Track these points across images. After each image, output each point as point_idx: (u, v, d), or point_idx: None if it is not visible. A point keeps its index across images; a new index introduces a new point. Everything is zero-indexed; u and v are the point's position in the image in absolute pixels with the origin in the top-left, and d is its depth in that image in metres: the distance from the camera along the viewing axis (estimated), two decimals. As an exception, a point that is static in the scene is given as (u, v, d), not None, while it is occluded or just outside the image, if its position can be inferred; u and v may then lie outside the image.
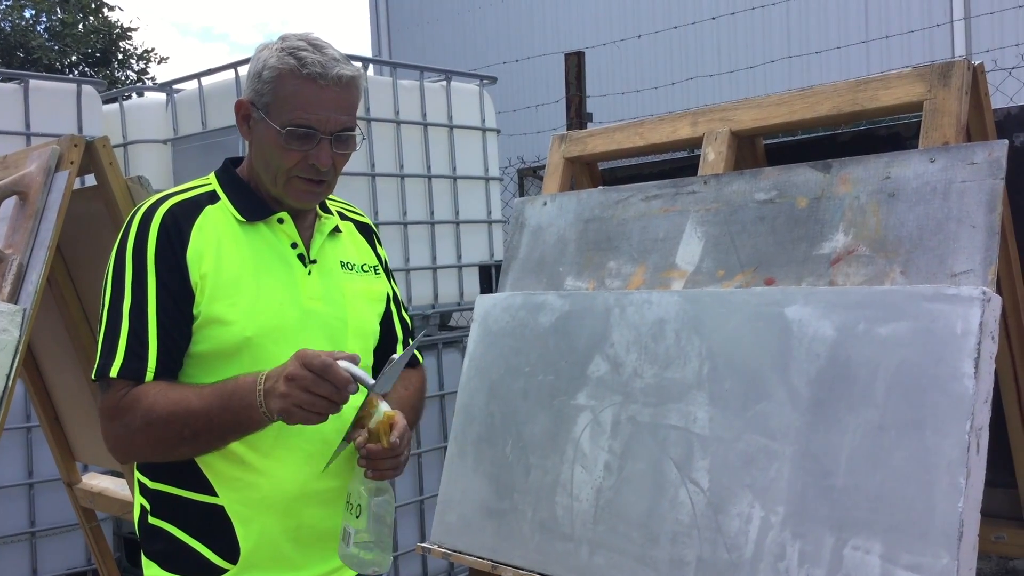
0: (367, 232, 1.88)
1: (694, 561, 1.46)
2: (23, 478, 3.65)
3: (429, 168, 4.15)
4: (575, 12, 11.83)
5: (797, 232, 1.55)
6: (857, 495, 1.33)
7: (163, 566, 1.66)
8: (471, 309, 2.33)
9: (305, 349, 1.47)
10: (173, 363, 1.59)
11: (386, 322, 1.83)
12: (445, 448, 2.01)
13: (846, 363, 1.38)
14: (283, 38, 1.64)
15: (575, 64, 4.18)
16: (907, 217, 1.44)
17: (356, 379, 1.46)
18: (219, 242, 1.63)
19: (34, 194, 2.14)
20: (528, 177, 6.44)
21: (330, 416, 1.48)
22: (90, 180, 2.37)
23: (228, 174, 1.73)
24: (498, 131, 4.55)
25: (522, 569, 1.68)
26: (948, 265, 1.37)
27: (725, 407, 1.49)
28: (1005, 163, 1.38)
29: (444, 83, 4.28)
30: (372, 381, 1.48)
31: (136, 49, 18.88)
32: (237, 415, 1.51)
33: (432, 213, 4.16)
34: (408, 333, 1.89)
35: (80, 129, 3.84)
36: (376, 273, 1.83)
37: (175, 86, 4.21)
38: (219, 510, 1.63)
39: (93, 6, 17.93)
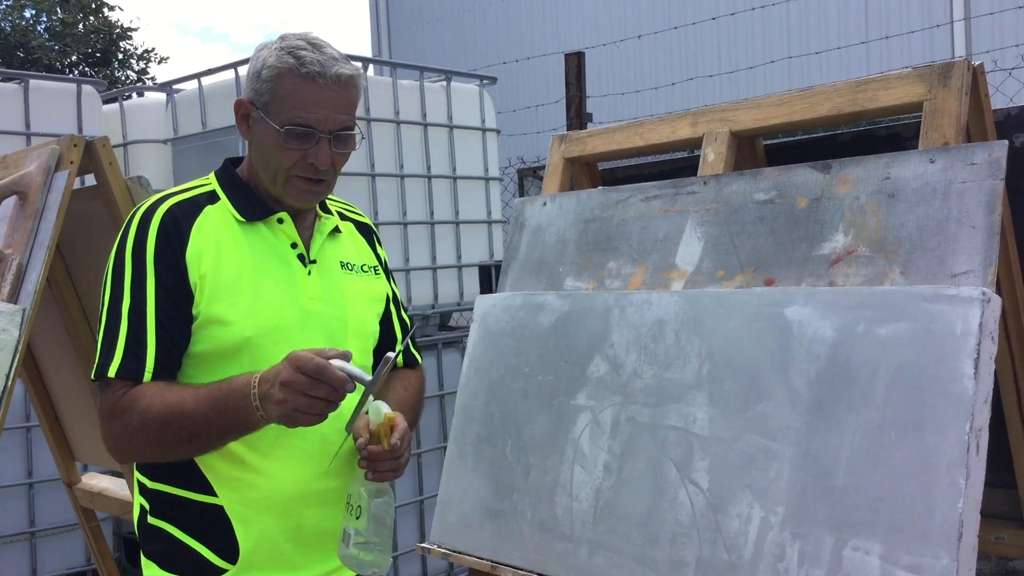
0: (367, 232, 1.88)
1: (693, 562, 1.46)
2: (23, 478, 3.65)
3: (429, 168, 4.15)
4: (575, 12, 11.83)
5: (797, 232, 1.55)
6: (857, 496, 1.33)
7: (162, 566, 1.66)
8: (471, 309, 2.33)
9: (296, 352, 1.45)
10: (172, 363, 1.59)
11: (385, 322, 1.83)
12: (445, 448, 2.01)
13: (846, 363, 1.38)
14: (282, 37, 1.64)
15: (575, 64, 4.19)
16: (907, 218, 1.44)
17: (352, 377, 1.45)
18: (219, 242, 1.63)
19: (34, 194, 2.14)
20: (528, 177, 6.44)
21: (329, 415, 1.48)
22: (90, 180, 2.37)
23: (228, 174, 1.73)
24: (498, 131, 4.55)
25: (521, 569, 1.68)
26: (948, 266, 1.37)
27: (725, 407, 1.49)
28: (1005, 164, 1.38)
29: (444, 83, 4.28)
30: (368, 377, 1.47)
31: (136, 49, 18.91)
32: (234, 418, 1.51)
33: (432, 213, 4.16)
34: (407, 334, 1.89)
35: (80, 129, 3.84)
36: (376, 273, 1.83)
37: (175, 86, 4.21)
38: (218, 510, 1.63)
39: (93, 6, 17.94)
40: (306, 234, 1.72)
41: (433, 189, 4.16)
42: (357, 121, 1.65)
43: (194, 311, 1.59)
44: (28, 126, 3.74)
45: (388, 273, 1.88)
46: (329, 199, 1.82)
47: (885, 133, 2.05)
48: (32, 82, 3.79)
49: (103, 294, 1.62)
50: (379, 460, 1.57)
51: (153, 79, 17.70)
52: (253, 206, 1.68)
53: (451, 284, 4.26)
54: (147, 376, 1.56)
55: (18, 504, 3.64)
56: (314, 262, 1.71)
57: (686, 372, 1.55)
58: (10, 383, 1.97)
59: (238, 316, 1.60)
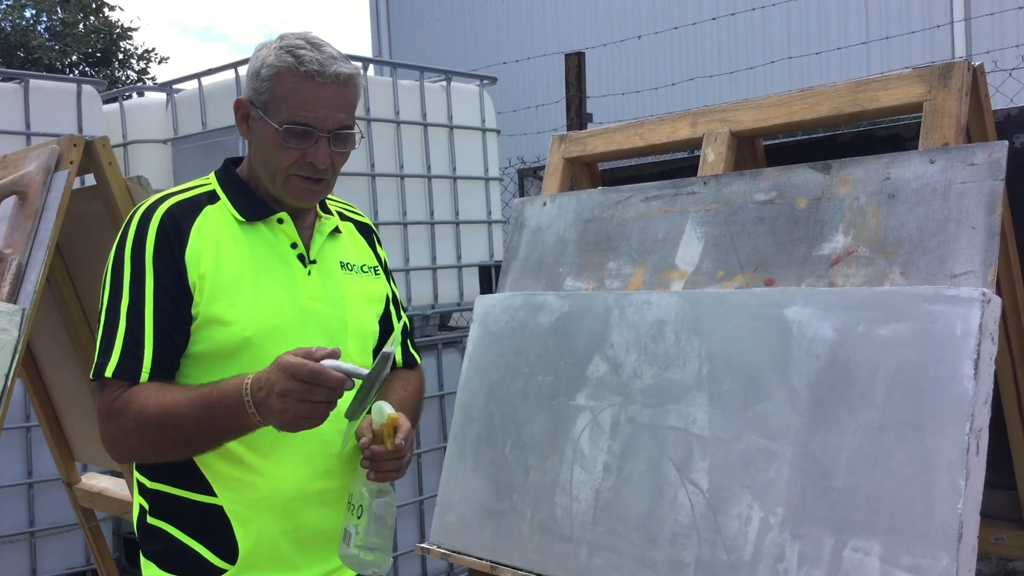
0: (367, 232, 1.88)
1: (693, 562, 1.46)
2: (22, 478, 3.65)
3: (429, 168, 4.15)
4: (575, 12, 11.83)
5: (797, 233, 1.55)
6: (857, 496, 1.33)
7: (162, 566, 1.66)
8: (471, 309, 2.33)
9: (285, 358, 1.43)
10: (169, 363, 1.59)
11: (385, 322, 1.82)
12: (445, 448, 2.01)
13: (846, 364, 1.38)
14: (282, 37, 1.64)
15: (575, 64, 4.18)
16: (907, 218, 1.44)
17: (349, 375, 1.44)
18: (218, 242, 1.63)
19: (33, 194, 2.14)
20: (528, 177, 6.44)
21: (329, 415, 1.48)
22: (90, 180, 2.37)
23: (228, 174, 1.73)
24: (498, 131, 4.55)
25: (521, 570, 1.68)
26: (948, 266, 1.37)
27: (724, 408, 1.49)
28: (1005, 164, 1.37)
29: (444, 83, 4.28)
30: (365, 371, 1.46)
31: (136, 49, 18.93)
32: (227, 421, 1.50)
33: (432, 213, 4.16)
34: (407, 334, 1.89)
35: (80, 129, 3.84)
36: (376, 274, 1.83)
37: (175, 86, 4.21)
38: (218, 510, 1.63)
39: (93, 6, 17.95)
40: (306, 234, 1.72)
41: (433, 189, 4.16)
42: (357, 121, 1.65)
43: (193, 311, 1.59)
44: (28, 126, 3.74)
45: (388, 273, 1.88)
46: (329, 199, 1.81)
47: (885, 134, 2.05)
48: (32, 82, 3.79)
49: (102, 294, 1.62)
50: (382, 460, 1.57)
51: (153, 79, 17.71)
52: (253, 206, 1.68)
53: (451, 284, 4.26)
54: (144, 376, 1.55)
55: (18, 504, 3.64)
56: (314, 262, 1.71)
57: (686, 372, 1.55)
58: (10, 383, 1.97)
59: (238, 316, 1.59)
